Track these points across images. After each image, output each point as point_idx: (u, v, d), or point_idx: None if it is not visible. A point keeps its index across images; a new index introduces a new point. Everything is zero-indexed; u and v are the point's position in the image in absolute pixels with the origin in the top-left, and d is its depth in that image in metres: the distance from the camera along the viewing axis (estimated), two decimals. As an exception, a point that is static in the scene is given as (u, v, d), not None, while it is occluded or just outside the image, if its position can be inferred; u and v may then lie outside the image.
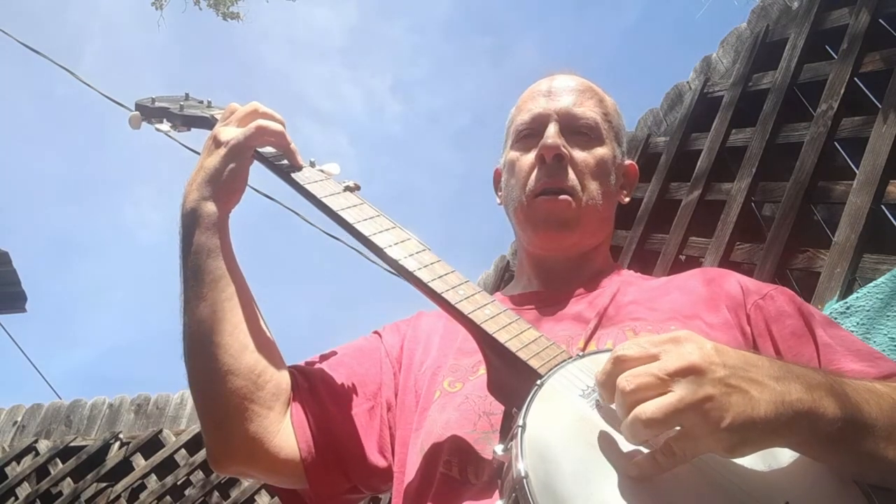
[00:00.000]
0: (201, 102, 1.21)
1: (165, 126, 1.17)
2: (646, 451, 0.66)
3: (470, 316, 0.83)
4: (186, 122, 1.18)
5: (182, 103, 1.19)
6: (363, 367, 1.06)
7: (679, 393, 0.63)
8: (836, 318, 1.54)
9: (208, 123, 1.13)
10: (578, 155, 1.10)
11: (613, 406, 0.69)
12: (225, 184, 0.97)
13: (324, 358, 1.08)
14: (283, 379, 0.97)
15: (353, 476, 0.99)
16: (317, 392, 1.00)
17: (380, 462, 1.00)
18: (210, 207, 0.96)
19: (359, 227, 0.93)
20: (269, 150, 1.04)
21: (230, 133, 0.98)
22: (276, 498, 2.82)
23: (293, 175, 1.01)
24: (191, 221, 0.96)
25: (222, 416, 0.93)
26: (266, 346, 0.97)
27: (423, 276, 0.88)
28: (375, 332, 1.15)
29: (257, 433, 0.93)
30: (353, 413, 1.01)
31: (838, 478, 0.72)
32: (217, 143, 0.99)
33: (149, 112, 1.19)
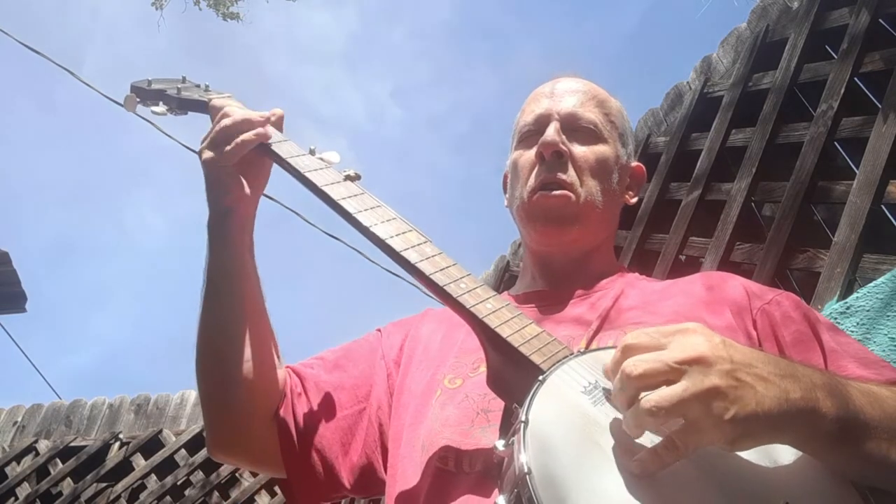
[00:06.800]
0: (198, 86, 1.18)
1: (161, 109, 1.16)
2: (648, 446, 0.66)
3: (472, 310, 0.82)
4: (183, 105, 1.16)
5: (179, 86, 1.17)
6: (358, 369, 1.09)
7: (685, 383, 0.64)
8: (836, 319, 1.54)
9: (205, 107, 1.11)
10: (578, 152, 1.10)
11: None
12: (226, 193, 1.01)
13: (322, 358, 1.11)
14: (281, 381, 1.04)
15: (332, 475, 1.02)
16: (307, 395, 1.05)
17: (362, 462, 1.03)
18: (222, 218, 1.01)
19: (359, 217, 0.91)
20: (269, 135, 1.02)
21: (206, 154, 1.01)
22: (276, 498, 2.87)
23: (292, 162, 0.99)
24: (209, 231, 1.02)
25: (220, 413, 1.02)
26: (269, 350, 1.03)
27: (425, 267, 0.86)
28: (378, 330, 1.17)
29: (250, 430, 1.01)
30: (342, 415, 1.05)
31: (837, 479, 0.73)
32: (202, 161, 1.01)
33: (145, 94, 1.17)
